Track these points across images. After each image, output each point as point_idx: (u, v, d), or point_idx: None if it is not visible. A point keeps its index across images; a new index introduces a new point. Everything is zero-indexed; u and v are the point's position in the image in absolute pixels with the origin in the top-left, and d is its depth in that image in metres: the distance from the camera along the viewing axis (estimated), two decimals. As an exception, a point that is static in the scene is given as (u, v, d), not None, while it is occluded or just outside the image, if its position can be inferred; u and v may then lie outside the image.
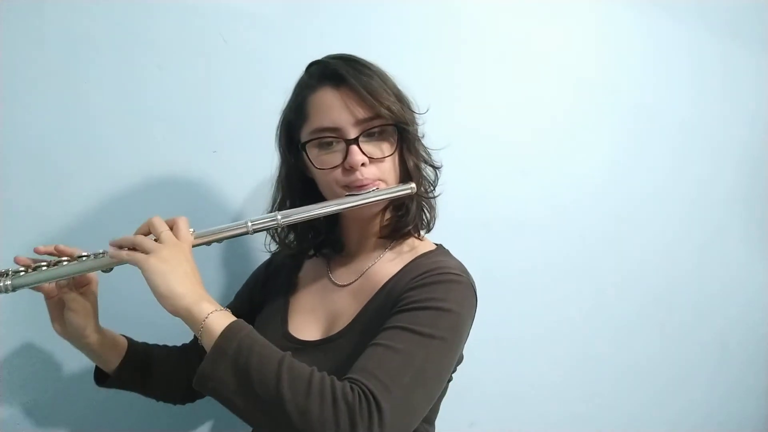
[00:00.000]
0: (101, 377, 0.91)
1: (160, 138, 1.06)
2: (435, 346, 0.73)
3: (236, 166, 1.12)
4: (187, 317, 0.68)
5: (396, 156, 0.84)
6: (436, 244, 0.92)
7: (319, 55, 0.89)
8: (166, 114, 1.06)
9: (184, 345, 1.01)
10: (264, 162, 1.12)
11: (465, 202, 1.35)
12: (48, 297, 0.81)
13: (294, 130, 0.86)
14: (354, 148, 0.79)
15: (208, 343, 0.66)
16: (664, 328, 1.70)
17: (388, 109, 0.79)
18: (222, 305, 0.70)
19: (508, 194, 1.43)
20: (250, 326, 0.69)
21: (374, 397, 0.64)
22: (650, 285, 1.67)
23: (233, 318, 0.69)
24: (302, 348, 0.84)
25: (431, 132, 0.92)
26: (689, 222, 1.73)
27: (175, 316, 0.68)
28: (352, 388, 0.65)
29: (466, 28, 1.34)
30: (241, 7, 1.10)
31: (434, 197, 0.92)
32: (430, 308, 0.75)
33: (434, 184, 0.92)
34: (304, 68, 0.88)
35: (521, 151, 1.44)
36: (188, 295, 0.68)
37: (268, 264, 1.04)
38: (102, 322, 0.86)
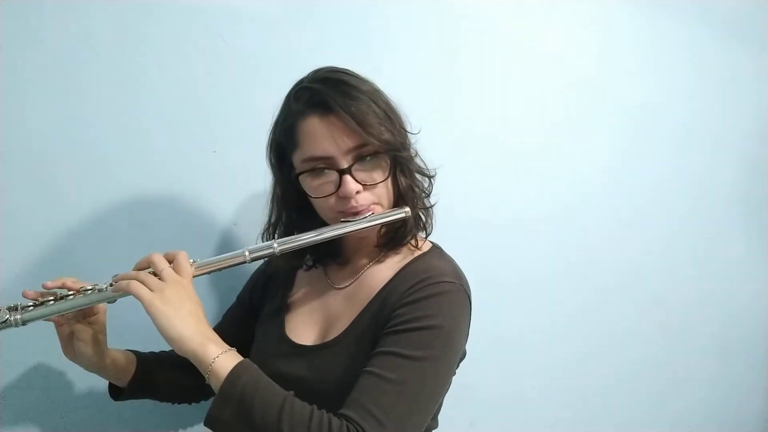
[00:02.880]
0: (116, 391, 0.94)
1: (160, 138, 1.06)
2: (428, 367, 0.74)
3: (236, 166, 1.12)
4: (195, 360, 0.70)
5: (389, 180, 0.83)
6: (432, 243, 0.92)
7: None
8: (165, 114, 1.06)
9: None
10: (264, 162, 1.12)
11: (465, 202, 1.35)
12: (58, 326, 0.83)
13: (285, 152, 0.85)
14: (347, 177, 0.78)
15: (215, 386, 0.69)
16: (665, 328, 1.70)
17: (377, 138, 0.77)
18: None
19: (508, 194, 1.42)
20: (255, 367, 0.72)
21: None
22: (650, 285, 1.67)
23: (238, 359, 0.71)
24: (298, 352, 0.86)
25: (431, 132, 0.92)
26: (689, 222, 1.73)
27: (184, 356, 0.71)
28: (348, 428, 0.67)
29: (466, 28, 1.34)
30: (241, 7, 1.10)
31: (430, 207, 0.91)
32: (421, 328, 0.75)
33: (428, 192, 0.91)
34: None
35: (521, 151, 1.44)
36: (194, 337, 0.70)
37: (266, 265, 1.05)
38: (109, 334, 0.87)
